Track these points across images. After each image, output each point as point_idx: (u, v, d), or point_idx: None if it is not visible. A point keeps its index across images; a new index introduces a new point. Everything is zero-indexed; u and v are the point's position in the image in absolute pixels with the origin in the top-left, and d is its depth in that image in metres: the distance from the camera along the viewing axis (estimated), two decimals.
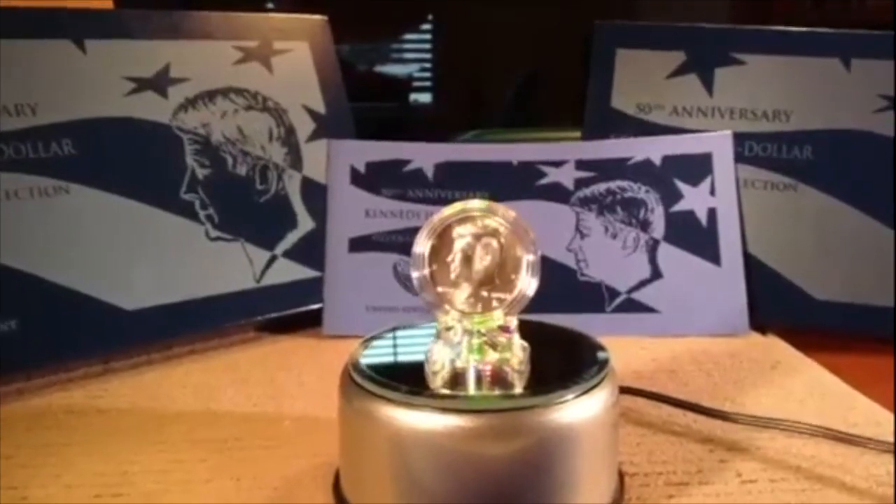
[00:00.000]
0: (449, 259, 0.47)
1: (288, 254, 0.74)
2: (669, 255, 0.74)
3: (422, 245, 0.47)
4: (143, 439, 0.55)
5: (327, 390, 0.48)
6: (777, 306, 0.75)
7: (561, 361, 0.47)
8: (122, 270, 0.67)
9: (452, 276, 0.47)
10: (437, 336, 0.46)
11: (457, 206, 0.47)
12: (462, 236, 0.47)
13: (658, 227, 0.75)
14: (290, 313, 0.73)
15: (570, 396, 0.42)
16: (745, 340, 0.72)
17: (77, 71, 0.68)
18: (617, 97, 0.81)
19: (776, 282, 0.76)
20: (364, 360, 0.47)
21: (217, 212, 0.72)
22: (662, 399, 0.58)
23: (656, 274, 0.74)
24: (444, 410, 0.42)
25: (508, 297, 0.46)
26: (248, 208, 0.73)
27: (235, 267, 0.72)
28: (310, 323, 0.74)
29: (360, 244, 0.74)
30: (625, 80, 0.81)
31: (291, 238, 0.75)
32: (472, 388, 0.44)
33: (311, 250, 0.74)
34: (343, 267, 0.74)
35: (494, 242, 0.47)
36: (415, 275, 0.47)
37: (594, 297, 0.74)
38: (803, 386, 0.64)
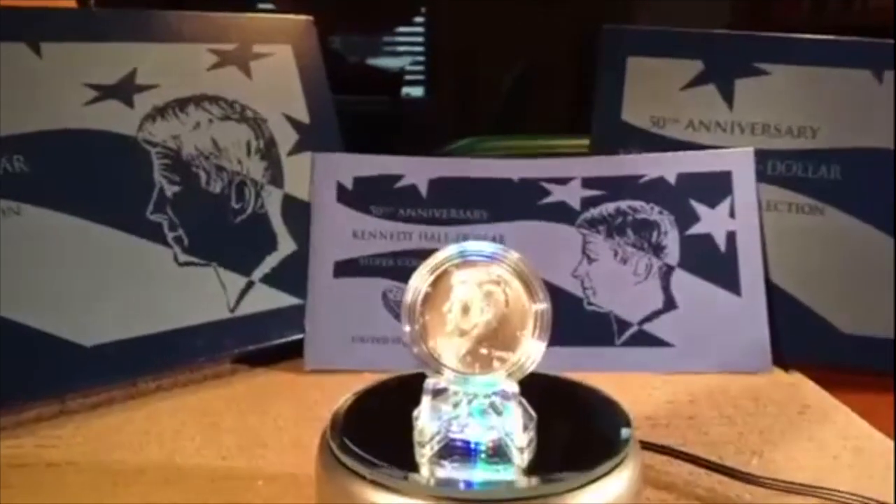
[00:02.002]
0: (445, 309, 0.41)
1: (266, 279, 0.68)
2: (685, 282, 0.69)
3: (414, 294, 0.40)
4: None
5: (306, 439, 0.44)
6: (801, 340, 0.69)
7: (574, 433, 0.41)
8: (80, 301, 0.61)
9: (448, 328, 0.41)
10: (429, 398, 0.40)
11: (456, 249, 0.41)
12: (462, 283, 0.41)
13: (672, 252, 0.69)
14: (269, 345, 0.67)
15: (584, 481, 0.36)
16: (767, 379, 0.67)
17: (31, 77, 0.62)
18: (628, 109, 0.75)
19: (800, 313, 0.70)
20: (346, 426, 0.41)
21: (187, 234, 0.66)
22: (687, 458, 0.52)
23: (670, 304, 0.69)
24: (438, 499, 0.35)
25: (511, 356, 0.40)
26: (222, 230, 0.68)
27: (208, 295, 0.66)
28: (291, 354, 0.68)
29: (346, 268, 0.69)
30: (637, 90, 0.75)
31: (270, 262, 0.69)
32: (466, 467, 0.38)
33: (292, 275, 0.69)
34: (327, 294, 0.68)
35: (499, 292, 0.40)
36: (405, 328, 0.40)
37: (602, 329, 0.68)
38: (835, 436, 0.58)
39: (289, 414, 0.60)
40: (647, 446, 0.51)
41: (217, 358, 0.66)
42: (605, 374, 0.61)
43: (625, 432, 0.38)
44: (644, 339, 0.68)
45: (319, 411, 0.56)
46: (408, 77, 2.70)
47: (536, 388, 0.40)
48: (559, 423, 0.41)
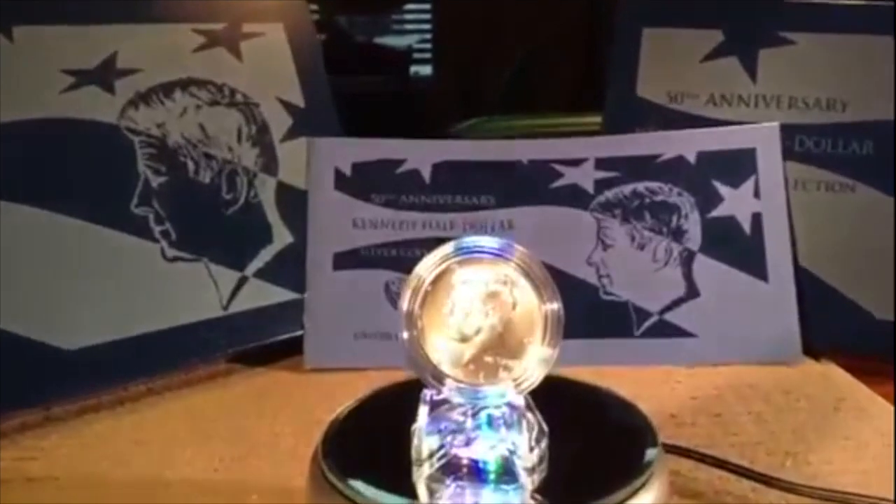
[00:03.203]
0: (445, 312, 0.37)
1: (261, 274, 0.66)
2: (707, 268, 0.65)
3: (411, 297, 0.37)
4: None
5: (305, 447, 0.40)
6: (832, 327, 0.65)
7: (593, 448, 0.37)
8: (61, 303, 0.58)
9: (449, 333, 0.37)
10: (426, 410, 0.37)
11: (457, 245, 0.37)
12: (464, 283, 0.37)
13: (693, 237, 0.66)
14: (266, 343, 0.65)
15: None
16: (798, 370, 0.63)
17: (3, 64, 0.59)
18: (643, 84, 0.73)
19: (831, 298, 0.67)
20: (338, 443, 0.38)
21: (175, 227, 0.63)
22: (717, 464, 0.48)
23: (692, 292, 0.65)
24: None
25: (519, 364, 0.36)
26: (212, 222, 0.65)
27: (198, 292, 0.63)
28: (289, 352, 0.65)
29: (346, 260, 0.66)
30: (653, 63, 0.73)
31: (265, 255, 0.67)
32: (469, 489, 0.34)
33: (288, 269, 0.66)
34: (327, 287, 0.65)
35: (505, 293, 0.37)
36: (402, 335, 0.37)
37: (620, 320, 0.65)
38: (874, 434, 0.54)
39: (287, 418, 0.57)
40: (672, 450, 0.48)
41: (210, 359, 0.64)
42: (624, 368, 0.60)
43: (650, 453, 0.34)
44: (665, 330, 0.65)
45: (320, 414, 0.53)
46: (415, 56, 2.67)
47: (550, 395, 0.36)
48: (576, 436, 0.37)
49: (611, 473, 0.33)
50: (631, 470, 0.33)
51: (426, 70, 2.62)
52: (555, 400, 0.37)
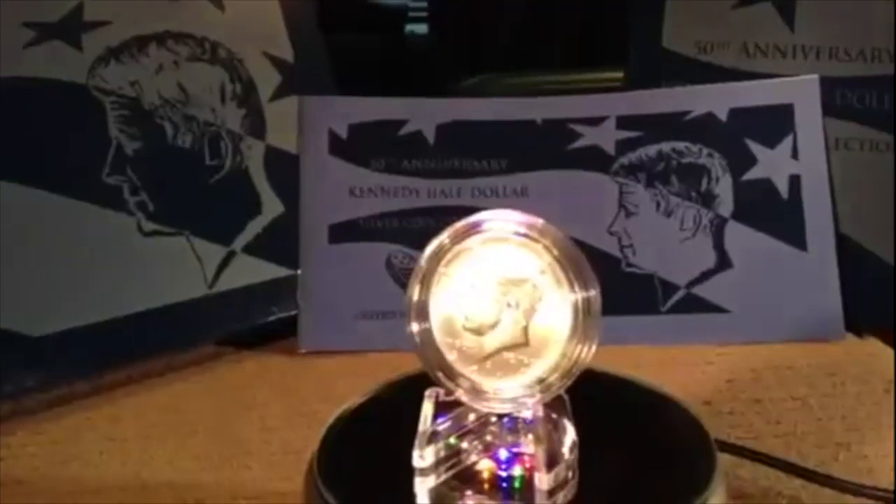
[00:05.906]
0: (461, 300, 0.33)
1: (250, 248, 0.63)
2: (740, 237, 0.64)
3: (421, 284, 0.33)
4: None
5: (299, 443, 0.40)
6: (876, 301, 0.63)
7: (631, 464, 0.32)
8: (25, 285, 0.56)
9: (464, 326, 0.33)
10: (432, 412, 0.33)
11: (474, 222, 0.33)
12: (482, 267, 0.33)
13: (725, 202, 0.64)
14: (256, 325, 0.62)
15: None
16: (841, 348, 0.60)
17: None
18: (669, 34, 0.70)
19: (875, 269, 0.65)
20: (336, 455, 0.34)
21: (153, 198, 0.61)
22: (767, 462, 0.45)
23: (724, 262, 0.63)
24: None
25: (544, 363, 0.32)
26: (194, 192, 0.63)
27: (180, 269, 0.61)
28: (282, 334, 0.62)
29: (343, 232, 0.64)
30: (679, 11, 0.70)
31: (254, 228, 0.64)
32: None
33: (280, 243, 0.64)
34: (322, 262, 0.63)
35: (532, 281, 0.32)
36: (411, 328, 0.33)
37: (644, 294, 0.63)
38: None
39: (279, 409, 0.54)
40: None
41: (195, 343, 0.61)
42: (649, 348, 0.57)
43: (706, 473, 0.29)
44: (694, 305, 0.63)
45: (315, 405, 0.51)
46: (411, 4, 2.64)
47: (581, 392, 0.32)
48: (612, 446, 0.32)
49: (657, 489, 0.28)
50: (684, 483, 0.28)
51: (422, 24, 2.60)
52: (587, 399, 0.32)
